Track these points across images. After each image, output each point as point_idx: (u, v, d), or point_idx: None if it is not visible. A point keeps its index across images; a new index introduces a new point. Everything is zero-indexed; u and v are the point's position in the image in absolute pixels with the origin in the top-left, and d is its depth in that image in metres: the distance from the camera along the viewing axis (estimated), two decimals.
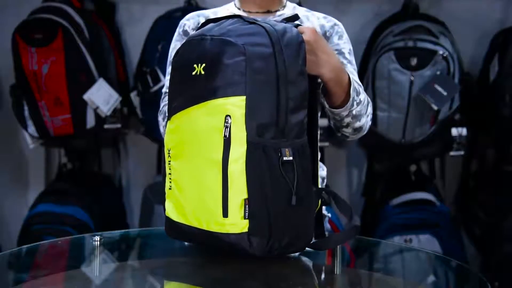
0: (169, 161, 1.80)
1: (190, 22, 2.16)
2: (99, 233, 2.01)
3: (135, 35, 3.85)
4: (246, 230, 1.69)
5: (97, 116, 3.56)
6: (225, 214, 1.69)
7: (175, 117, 1.79)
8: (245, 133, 1.68)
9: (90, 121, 3.57)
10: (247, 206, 1.68)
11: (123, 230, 2.65)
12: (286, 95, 1.72)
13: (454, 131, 3.48)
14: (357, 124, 2.01)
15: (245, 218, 1.69)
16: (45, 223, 3.52)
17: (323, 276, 1.92)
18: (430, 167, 3.81)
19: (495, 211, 3.54)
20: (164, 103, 2.13)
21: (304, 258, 1.94)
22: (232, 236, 1.70)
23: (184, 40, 1.83)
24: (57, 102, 3.51)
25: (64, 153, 3.86)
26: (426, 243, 3.39)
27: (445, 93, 3.34)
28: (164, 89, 2.15)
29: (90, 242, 1.96)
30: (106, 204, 3.76)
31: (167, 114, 1.83)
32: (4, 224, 3.98)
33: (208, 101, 1.71)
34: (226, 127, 1.69)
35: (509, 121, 3.47)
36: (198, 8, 3.68)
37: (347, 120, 1.99)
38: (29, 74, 3.49)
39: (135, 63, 3.77)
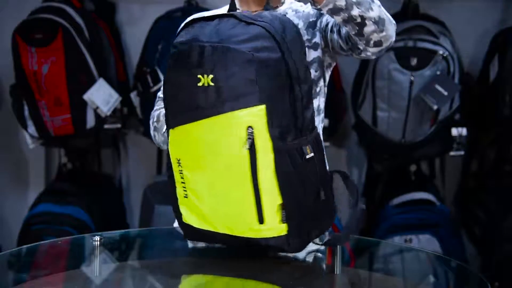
0: (181, 171, 1.80)
1: None
2: (99, 233, 2.01)
3: (135, 35, 3.85)
4: (285, 232, 1.74)
5: (97, 116, 3.56)
6: (260, 220, 1.73)
7: (181, 128, 1.78)
8: (270, 142, 1.71)
9: (90, 121, 3.56)
10: (283, 211, 1.72)
11: (123, 230, 2.65)
12: (300, 94, 1.74)
13: (454, 131, 3.48)
14: (372, 14, 1.82)
15: (283, 222, 1.73)
16: (45, 223, 3.52)
17: (323, 276, 1.92)
18: (430, 167, 3.81)
19: (495, 211, 3.54)
20: (158, 107, 2.12)
21: (304, 258, 1.94)
22: (271, 240, 1.75)
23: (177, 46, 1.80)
24: (57, 102, 3.51)
25: (64, 153, 3.86)
26: (426, 243, 3.39)
27: (445, 93, 3.34)
28: (160, 94, 2.13)
29: (90, 242, 1.96)
30: (106, 204, 3.75)
31: (168, 124, 1.82)
32: (4, 224, 3.98)
33: (225, 114, 1.71)
34: (250, 138, 1.70)
35: (509, 121, 3.47)
36: (198, 8, 3.68)
37: (355, 12, 1.80)
38: (29, 74, 3.48)
39: (135, 63, 3.77)
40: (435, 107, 3.36)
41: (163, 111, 2.06)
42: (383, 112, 3.45)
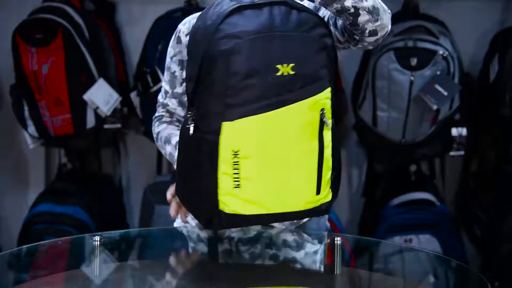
0: (236, 162, 1.80)
1: (185, 27, 2.10)
2: (99, 233, 2.01)
3: (135, 35, 3.85)
4: (331, 197, 1.90)
5: (97, 116, 3.56)
6: (318, 192, 1.86)
7: (249, 119, 1.79)
8: (330, 121, 1.86)
9: (90, 121, 3.56)
10: (332, 178, 1.89)
11: (123, 230, 2.65)
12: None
13: (454, 131, 3.48)
14: (366, 4, 1.82)
15: (330, 188, 1.89)
16: (45, 223, 3.52)
17: (323, 276, 1.92)
18: (430, 167, 3.81)
19: (495, 211, 3.54)
20: (158, 113, 2.12)
21: (304, 258, 1.94)
22: (323, 206, 1.88)
23: (231, 39, 1.78)
24: (57, 102, 3.51)
25: (64, 153, 3.86)
26: (426, 243, 3.39)
27: (445, 93, 3.33)
28: (162, 100, 2.12)
29: (90, 242, 1.96)
30: (106, 204, 3.75)
31: (221, 116, 1.79)
32: (4, 224, 3.98)
33: (305, 100, 1.81)
34: (323, 119, 1.84)
35: (509, 121, 3.47)
36: (198, 8, 3.68)
37: (348, 3, 1.80)
38: (29, 74, 3.48)
39: (135, 63, 3.76)
40: (435, 107, 3.36)
41: (163, 134, 2.06)
42: (383, 112, 3.45)
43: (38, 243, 2.11)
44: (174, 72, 2.08)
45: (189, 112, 1.84)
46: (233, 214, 1.82)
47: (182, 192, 1.89)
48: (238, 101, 1.78)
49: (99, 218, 3.60)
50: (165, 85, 2.11)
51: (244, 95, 1.78)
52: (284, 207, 1.84)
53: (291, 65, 1.78)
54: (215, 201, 1.82)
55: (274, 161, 1.82)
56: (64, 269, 1.98)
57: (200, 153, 1.81)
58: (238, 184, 1.81)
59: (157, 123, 2.11)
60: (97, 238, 1.94)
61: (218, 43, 1.78)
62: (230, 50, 1.77)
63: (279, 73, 1.78)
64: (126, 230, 3.01)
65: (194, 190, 1.85)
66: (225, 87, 1.79)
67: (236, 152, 1.80)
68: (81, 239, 2.29)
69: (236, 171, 1.80)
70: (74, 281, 1.87)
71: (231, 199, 1.81)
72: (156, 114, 2.13)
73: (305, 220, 2.04)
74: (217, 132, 1.79)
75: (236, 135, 1.80)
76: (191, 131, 1.83)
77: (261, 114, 1.79)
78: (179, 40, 2.10)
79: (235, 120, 1.78)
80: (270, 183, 1.82)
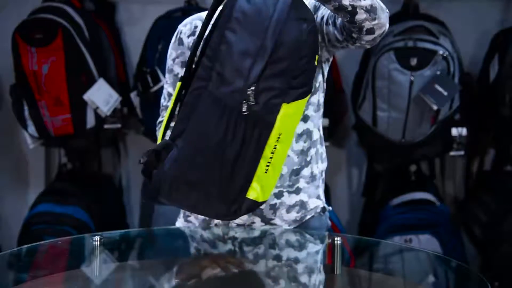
0: (276, 145, 1.82)
1: (186, 28, 2.09)
2: (99, 233, 2.01)
3: (135, 35, 3.85)
4: None
5: (97, 116, 3.56)
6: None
7: (297, 103, 1.84)
8: None
9: (90, 121, 3.56)
10: None
11: (123, 230, 2.65)
12: None
13: (454, 131, 3.48)
14: (363, 2, 1.83)
15: None
16: (45, 223, 3.52)
17: (323, 276, 1.92)
18: (430, 167, 3.81)
19: (495, 211, 3.54)
20: (162, 118, 2.11)
21: (306, 258, 1.94)
22: None
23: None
24: (57, 102, 3.51)
25: (64, 153, 3.86)
26: (426, 243, 3.39)
27: (445, 93, 3.34)
28: (165, 103, 2.11)
29: (90, 242, 1.96)
30: (106, 204, 3.75)
31: (286, 97, 1.83)
32: (4, 224, 3.98)
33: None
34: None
35: (509, 121, 3.47)
36: (198, 8, 3.68)
37: (346, 2, 1.82)
38: (29, 74, 3.48)
39: (135, 63, 3.76)
40: (435, 107, 3.36)
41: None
42: (383, 112, 3.45)
43: (38, 243, 2.11)
44: (178, 74, 2.06)
45: (249, 90, 1.80)
46: (253, 201, 1.83)
47: (189, 188, 1.88)
48: (296, 84, 1.83)
49: (99, 218, 3.60)
50: (168, 88, 2.09)
51: (302, 78, 1.83)
52: (268, 195, 1.87)
53: (317, 56, 1.86)
54: (246, 187, 1.81)
55: (287, 147, 1.87)
56: (64, 269, 1.98)
57: (253, 132, 1.80)
58: (267, 170, 1.82)
59: (160, 123, 2.10)
60: (97, 238, 1.94)
61: (292, 25, 1.82)
62: (303, 32, 1.82)
63: (316, 62, 1.84)
64: (126, 230, 3.01)
65: (217, 179, 1.81)
66: (293, 68, 1.82)
67: (280, 134, 1.83)
68: (81, 239, 2.29)
69: (271, 155, 1.82)
70: (74, 281, 1.87)
71: (257, 186, 1.82)
72: (160, 119, 2.12)
73: (307, 217, 2.04)
74: (275, 112, 1.81)
75: (286, 118, 1.82)
76: (244, 109, 1.80)
77: (301, 100, 1.84)
78: (180, 42, 2.09)
79: (291, 103, 1.82)
80: (276, 170, 1.86)
